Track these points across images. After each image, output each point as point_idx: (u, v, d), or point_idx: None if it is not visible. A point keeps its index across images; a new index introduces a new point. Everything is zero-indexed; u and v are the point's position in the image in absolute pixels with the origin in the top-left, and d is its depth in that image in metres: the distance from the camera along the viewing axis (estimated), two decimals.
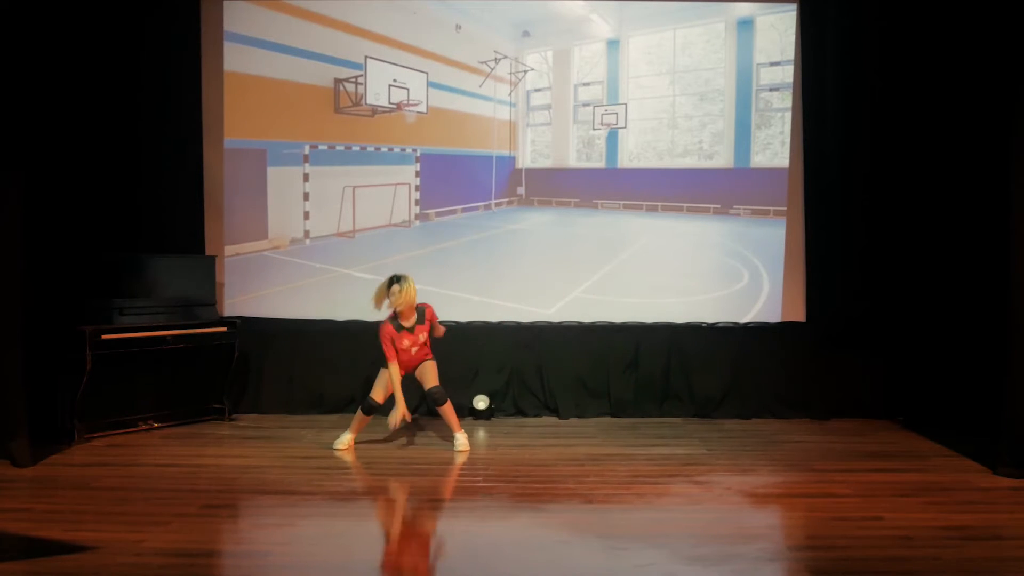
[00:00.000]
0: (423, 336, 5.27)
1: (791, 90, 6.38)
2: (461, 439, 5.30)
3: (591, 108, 6.60)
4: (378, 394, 5.25)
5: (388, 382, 5.23)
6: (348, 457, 5.12)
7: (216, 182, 6.38)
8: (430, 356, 5.34)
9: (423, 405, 6.38)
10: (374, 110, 6.47)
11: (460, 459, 5.10)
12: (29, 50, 5.14)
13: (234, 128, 6.39)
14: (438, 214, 6.58)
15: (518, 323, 6.44)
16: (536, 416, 6.33)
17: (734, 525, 3.93)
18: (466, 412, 6.29)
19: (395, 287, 5.10)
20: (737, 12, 6.47)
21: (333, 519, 3.97)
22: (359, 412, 5.32)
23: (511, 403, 6.38)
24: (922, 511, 4.07)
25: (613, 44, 6.57)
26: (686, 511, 4.14)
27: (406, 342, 5.22)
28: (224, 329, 5.99)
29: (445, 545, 3.69)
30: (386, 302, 5.17)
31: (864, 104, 6.21)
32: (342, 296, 6.44)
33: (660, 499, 4.35)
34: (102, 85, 5.97)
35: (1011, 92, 4.82)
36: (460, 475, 4.76)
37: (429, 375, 5.31)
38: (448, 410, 5.31)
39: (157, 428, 5.74)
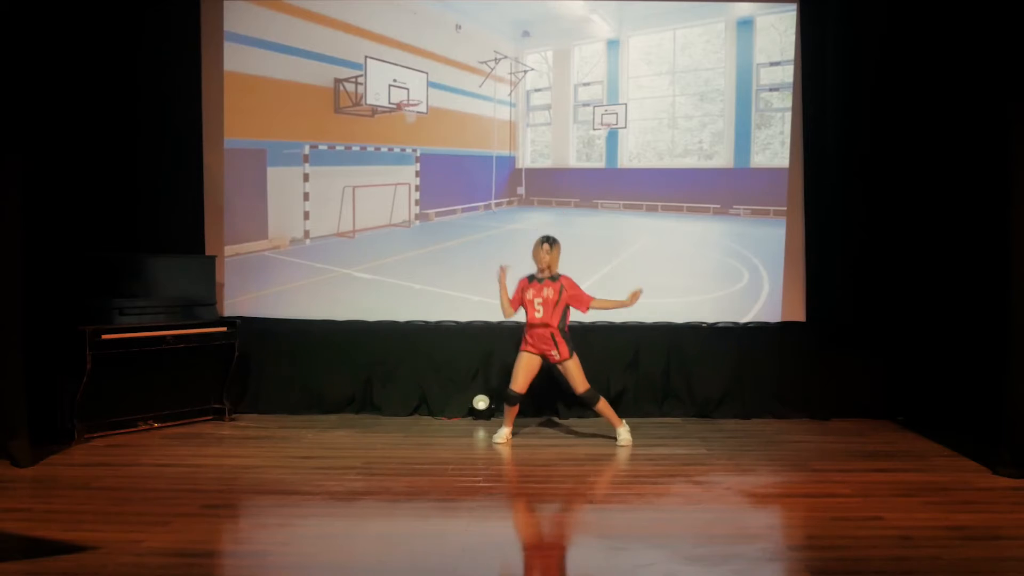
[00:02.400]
0: (549, 293, 5.38)
1: (791, 90, 6.38)
2: (623, 434, 5.47)
3: (591, 108, 6.60)
4: (518, 384, 5.42)
5: (525, 369, 5.42)
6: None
7: (216, 182, 6.38)
8: (568, 355, 5.42)
9: (423, 406, 6.40)
10: (374, 110, 6.47)
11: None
12: (29, 52, 5.14)
13: (234, 128, 6.39)
14: (438, 214, 6.58)
15: (518, 323, 6.42)
16: (536, 416, 6.33)
17: (734, 525, 3.93)
18: (466, 412, 6.30)
19: (536, 241, 5.46)
20: (737, 12, 6.47)
21: (333, 519, 3.97)
22: (506, 407, 5.52)
23: None
24: (922, 511, 4.07)
25: (613, 44, 6.57)
26: (686, 511, 4.14)
27: (531, 292, 5.41)
28: (224, 329, 5.99)
29: (445, 545, 3.69)
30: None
31: (864, 104, 6.21)
32: (342, 296, 6.45)
33: (660, 499, 4.35)
34: (102, 85, 5.97)
35: (1011, 92, 4.82)
36: (460, 475, 4.76)
37: (575, 377, 5.44)
38: (604, 408, 5.47)
39: (157, 428, 5.73)
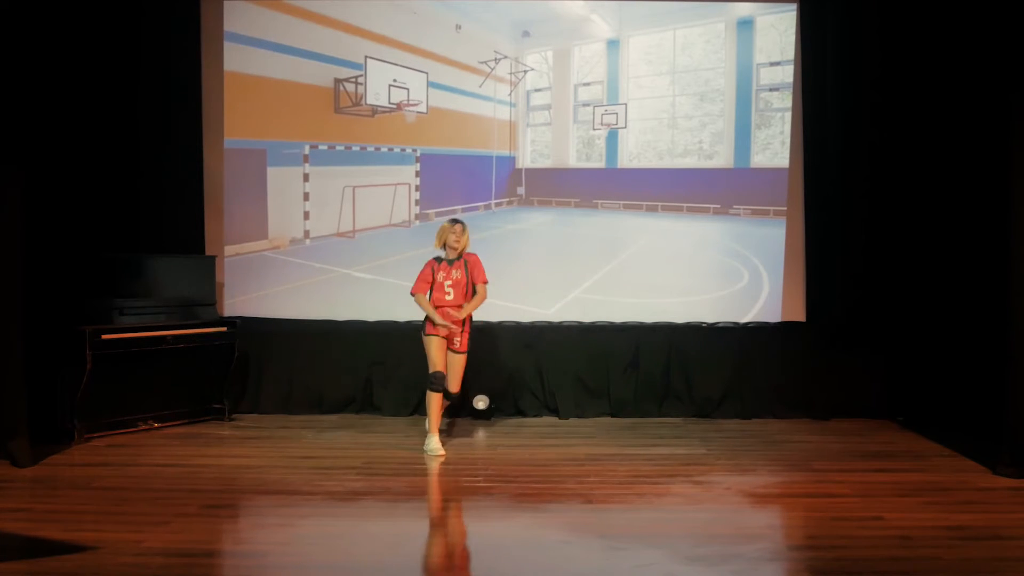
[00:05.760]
0: (458, 275, 5.20)
1: (791, 90, 6.38)
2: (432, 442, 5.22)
3: (591, 108, 6.60)
4: (443, 364, 5.22)
5: (441, 350, 5.20)
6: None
7: (216, 182, 6.38)
8: (466, 348, 5.29)
9: (423, 406, 6.38)
10: (374, 110, 6.47)
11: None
12: (29, 52, 5.14)
13: (234, 128, 6.39)
14: (438, 214, 6.57)
15: (518, 323, 6.44)
16: (536, 416, 6.33)
17: (734, 525, 3.93)
18: (466, 412, 6.30)
19: (446, 224, 5.24)
20: (737, 12, 6.47)
21: (333, 519, 3.97)
22: (431, 396, 5.19)
23: (511, 403, 6.38)
24: (922, 511, 4.07)
25: (613, 44, 6.56)
26: (686, 511, 4.15)
27: (441, 275, 5.21)
28: (224, 329, 5.99)
29: (446, 545, 3.69)
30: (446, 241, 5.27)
31: (864, 104, 6.21)
32: (342, 296, 6.45)
33: (660, 499, 4.35)
34: (102, 85, 5.97)
35: (1010, 91, 4.82)
36: (460, 475, 4.76)
37: (454, 373, 5.27)
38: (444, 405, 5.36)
39: (157, 428, 5.73)
